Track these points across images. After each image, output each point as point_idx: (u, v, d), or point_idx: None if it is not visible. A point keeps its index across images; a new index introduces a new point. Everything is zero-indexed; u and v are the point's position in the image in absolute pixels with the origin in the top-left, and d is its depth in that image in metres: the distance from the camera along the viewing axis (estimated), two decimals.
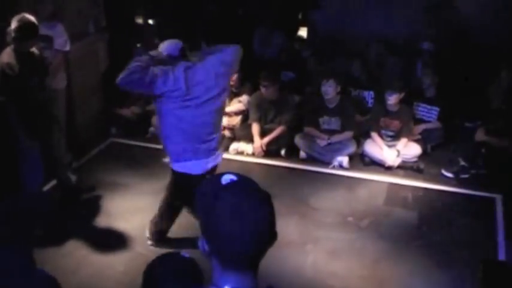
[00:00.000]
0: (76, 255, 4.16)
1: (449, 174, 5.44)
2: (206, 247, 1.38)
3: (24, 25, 4.09)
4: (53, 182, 5.00)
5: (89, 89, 6.15)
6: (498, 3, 6.50)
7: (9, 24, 4.12)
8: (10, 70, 4.13)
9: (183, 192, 3.84)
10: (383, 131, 5.74)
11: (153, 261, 2.04)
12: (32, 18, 4.15)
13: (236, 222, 1.32)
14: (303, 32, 7.90)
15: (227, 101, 6.09)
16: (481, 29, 6.38)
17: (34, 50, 4.33)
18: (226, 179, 1.37)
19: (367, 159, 5.70)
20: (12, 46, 4.18)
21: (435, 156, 5.82)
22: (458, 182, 5.33)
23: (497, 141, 5.30)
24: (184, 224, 4.20)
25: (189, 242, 3.62)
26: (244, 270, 1.38)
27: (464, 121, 5.82)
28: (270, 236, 1.38)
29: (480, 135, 5.38)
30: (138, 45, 6.73)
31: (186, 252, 2.05)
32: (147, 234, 4.19)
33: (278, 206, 1.39)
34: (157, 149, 6.03)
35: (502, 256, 4.22)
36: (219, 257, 1.38)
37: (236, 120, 6.18)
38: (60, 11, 5.29)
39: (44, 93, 4.45)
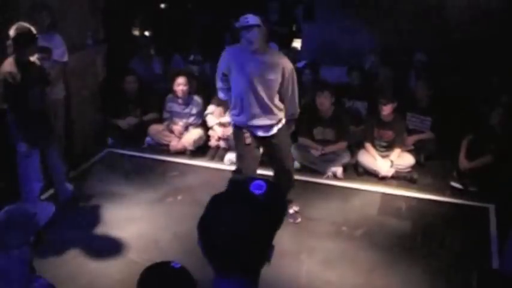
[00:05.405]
0: (73, 264, 4.19)
1: (458, 185, 5.44)
2: (202, 249, 1.39)
3: (22, 33, 4.16)
4: (51, 191, 5.04)
5: (86, 100, 6.20)
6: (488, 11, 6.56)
7: (8, 37, 4.19)
8: (12, 79, 4.19)
9: None
10: (376, 142, 5.79)
11: (144, 273, 2.03)
12: (28, 25, 4.22)
13: (237, 237, 1.32)
14: (297, 44, 7.97)
15: (222, 111, 6.14)
16: (472, 36, 6.42)
17: (35, 60, 4.39)
18: (255, 186, 1.38)
19: (361, 170, 5.75)
20: (14, 56, 4.24)
21: (428, 167, 5.86)
22: (451, 192, 5.38)
23: (481, 162, 5.38)
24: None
25: None
26: (237, 279, 1.37)
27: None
28: (264, 250, 1.38)
29: (464, 164, 5.46)
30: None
31: (177, 262, 2.05)
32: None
33: None
34: (153, 159, 6.10)
35: (495, 265, 4.25)
36: (210, 261, 1.38)
37: (231, 130, 6.19)
38: (58, 23, 5.35)
39: (44, 103, 4.49)
